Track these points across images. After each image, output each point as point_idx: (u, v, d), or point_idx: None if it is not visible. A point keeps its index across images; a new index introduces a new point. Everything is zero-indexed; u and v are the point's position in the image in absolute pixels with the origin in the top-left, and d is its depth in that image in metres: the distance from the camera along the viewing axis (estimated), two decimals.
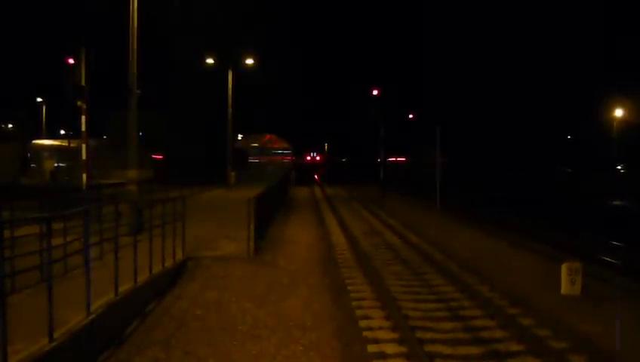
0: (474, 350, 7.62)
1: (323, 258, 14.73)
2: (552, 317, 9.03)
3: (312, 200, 38.03)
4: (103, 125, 60.64)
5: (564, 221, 24.30)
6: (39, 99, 63.17)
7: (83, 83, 24.46)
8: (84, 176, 25.33)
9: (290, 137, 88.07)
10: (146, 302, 9.66)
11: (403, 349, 7.55)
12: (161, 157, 54.71)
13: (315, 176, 78.18)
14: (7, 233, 7.12)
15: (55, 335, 6.19)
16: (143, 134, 35.59)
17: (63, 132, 69.22)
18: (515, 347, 7.73)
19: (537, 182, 52.07)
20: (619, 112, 54.72)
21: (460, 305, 9.96)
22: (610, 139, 58.57)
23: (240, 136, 76.76)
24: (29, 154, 53.63)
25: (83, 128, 25.41)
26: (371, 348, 7.58)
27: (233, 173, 42.50)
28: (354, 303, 9.95)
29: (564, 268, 10.86)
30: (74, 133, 45.00)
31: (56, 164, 52.31)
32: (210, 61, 41.46)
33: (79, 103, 24.74)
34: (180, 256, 12.44)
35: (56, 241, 8.05)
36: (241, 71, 43.12)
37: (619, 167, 65.73)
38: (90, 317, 7.09)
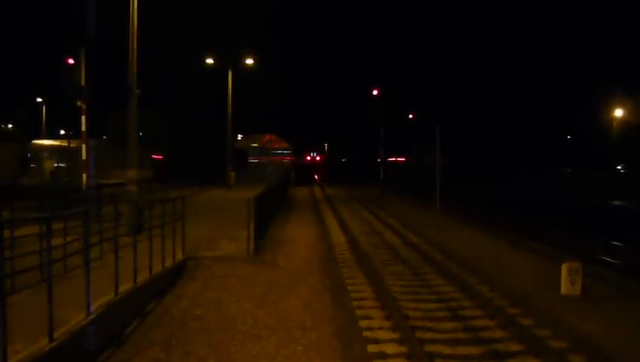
0: (474, 350, 7.62)
1: (323, 258, 14.72)
2: (552, 317, 9.03)
3: (312, 200, 38.03)
4: (103, 125, 60.61)
5: (564, 221, 24.30)
6: (39, 99, 63.16)
7: (83, 83, 24.44)
8: (84, 176, 25.32)
9: (290, 137, 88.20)
10: (146, 302, 9.65)
11: (403, 349, 7.55)
12: (161, 157, 54.71)
13: (315, 176, 78.18)
14: (7, 233, 7.12)
15: (55, 336, 6.18)
16: (143, 134, 35.60)
17: (62, 132, 69.21)
18: (515, 347, 7.73)
19: (537, 182, 52.06)
20: (619, 112, 54.68)
21: (459, 305, 9.96)
22: (610, 139, 58.53)
23: (240, 136, 76.78)
24: (29, 155, 53.57)
25: (83, 128, 25.35)
26: (371, 348, 7.58)
27: (233, 173, 42.51)
28: (354, 303, 9.95)
29: (564, 268, 10.86)
30: (74, 133, 45.00)
31: (56, 164, 52.29)
32: (210, 61, 41.47)
33: (79, 103, 24.70)
34: (179, 256, 12.44)
35: (56, 241, 8.06)
36: (241, 71, 43.14)
37: (619, 167, 65.72)
38: (90, 317, 7.09)
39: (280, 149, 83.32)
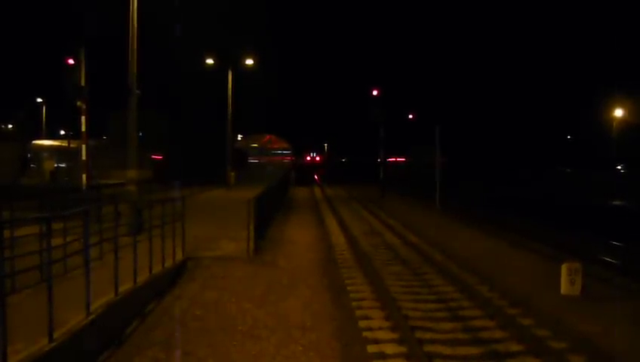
0: (473, 350, 7.62)
1: (323, 258, 14.73)
2: (551, 317, 9.03)
3: (312, 200, 38.03)
4: (103, 125, 60.62)
5: (564, 221, 24.30)
6: (39, 100, 63.10)
7: (83, 83, 24.48)
8: (84, 176, 25.34)
9: (290, 137, 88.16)
10: (146, 302, 9.66)
11: (403, 349, 7.55)
12: (160, 157, 54.70)
13: (315, 177, 78.17)
14: (7, 233, 7.12)
15: (55, 336, 6.19)
16: (143, 134, 35.59)
17: (62, 132, 69.21)
18: (514, 347, 7.73)
19: (537, 182, 52.05)
20: (619, 112, 54.71)
21: (459, 305, 9.96)
22: (610, 139, 58.53)
23: (240, 137, 76.75)
24: (29, 155, 53.57)
25: (83, 128, 25.42)
26: (371, 349, 7.58)
27: (233, 174, 42.51)
28: (354, 303, 9.95)
29: (564, 268, 10.86)
30: (74, 133, 45.01)
31: (56, 165, 52.31)
32: (210, 61, 41.47)
33: (79, 103, 24.76)
34: (179, 256, 12.44)
35: (56, 241, 8.06)
36: (240, 71, 43.14)
37: (619, 167, 65.70)
38: (90, 318, 7.09)
39: (280, 149, 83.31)
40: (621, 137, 57.80)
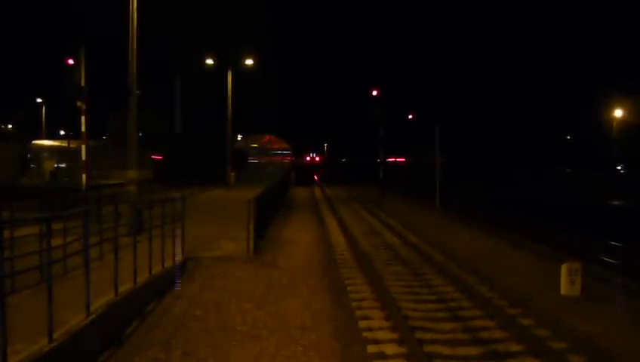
0: (473, 350, 7.62)
1: (323, 258, 14.73)
2: (551, 317, 9.03)
3: (312, 200, 38.03)
4: (103, 126, 60.60)
5: (564, 221, 24.30)
6: (39, 100, 63.11)
7: (82, 83, 24.48)
8: (84, 176, 25.34)
9: (290, 137, 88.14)
10: (146, 302, 9.66)
11: (402, 350, 7.55)
12: (160, 157, 54.67)
13: (315, 177, 78.17)
14: (7, 233, 7.12)
15: (55, 336, 6.19)
16: (143, 134, 35.59)
17: (62, 132, 69.18)
18: (514, 347, 7.73)
19: (537, 182, 52.05)
20: (619, 112, 54.68)
21: (459, 305, 9.97)
22: (610, 139, 58.54)
23: (239, 137, 76.74)
24: (28, 155, 53.57)
25: (83, 129, 25.43)
26: (371, 349, 7.58)
27: (233, 174, 42.51)
28: (354, 303, 9.95)
29: (563, 268, 10.86)
30: (74, 133, 45.01)
31: (56, 165, 52.29)
32: (209, 62, 41.47)
33: (79, 104, 24.77)
34: (179, 256, 12.44)
35: (56, 242, 8.06)
36: (240, 71, 43.14)
37: (619, 167, 65.69)
38: (90, 318, 7.09)
39: (280, 150, 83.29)
40: (621, 137, 57.80)
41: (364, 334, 8.23)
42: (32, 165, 52.57)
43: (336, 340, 8.01)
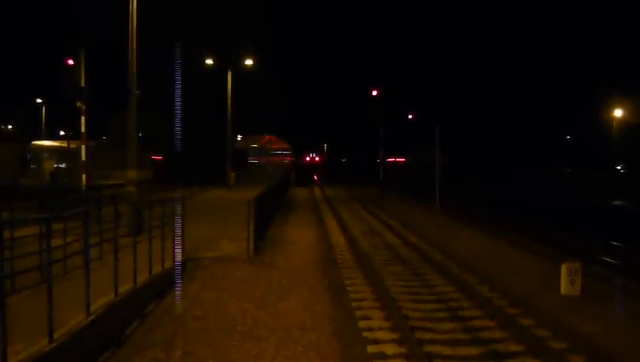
0: (473, 350, 7.62)
1: (323, 258, 14.73)
2: (551, 317, 9.03)
3: (312, 200, 38.03)
4: (103, 126, 60.53)
5: (564, 221, 24.30)
6: (39, 100, 63.08)
7: (83, 84, 24.50)
8: (84, 176, 25.35)
9: (290, 137, 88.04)
10: (146, 302, 9.66)
11: (402, 350, 7.55)
12: (160, 157, 54.67)
13: (315, 177, 78.15)
14: (7, 234, 7.11)
15: (55, 336, 6.19)
16: (143, 135, 35.59)
17: (62, 133, 69.15)
18: (514, 347, 7.74)
19: (537, 182, 52.04)
20: (619, 112, 54.67)
21: (459, 305, 9.97)
22: (610, 139, 58.53)
23: (239, 137, 76.70)
24: (28, 155, 53.55)
25: (82, 129, 25.44)
26: (371, 349, 7.59)
27: (233, 174, 42.50)
28: (354, 304, 9.96)
29: (563, 268, 10.87)
30: (73, 133, 44.99)
31: (55, 165, 52.26)
32: (209, 62, 41.46)
33: (79, 104, 24.78)
34: (179, 256, 12.43)
35: (56, 242, 8.06)
36: (240, 71, 43.12)
37: (619, 167, 65.71)
38: (90, 318, 7.09)
39: (280, 150, 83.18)
40: (621, 137, 57.79)
41: (364, 334, 8.23)
42: (32, 165, 52.55)
43: (336, 340, 8.01)
